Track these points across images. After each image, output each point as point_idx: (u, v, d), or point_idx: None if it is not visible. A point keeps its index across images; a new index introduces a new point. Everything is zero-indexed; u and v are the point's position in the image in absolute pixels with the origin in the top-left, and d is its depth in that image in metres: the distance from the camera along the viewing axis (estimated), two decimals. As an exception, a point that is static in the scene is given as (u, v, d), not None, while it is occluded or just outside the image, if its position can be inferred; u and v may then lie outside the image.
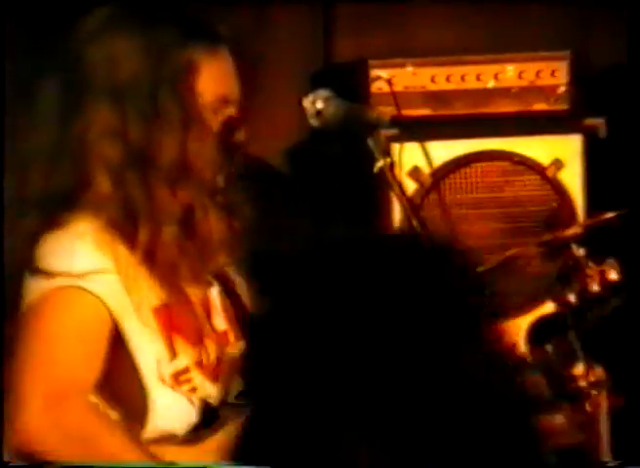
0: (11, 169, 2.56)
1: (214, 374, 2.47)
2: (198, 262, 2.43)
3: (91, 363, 2.43)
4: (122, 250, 2.40)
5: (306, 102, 2.45)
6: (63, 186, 2.38)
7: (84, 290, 2.38)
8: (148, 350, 2.44)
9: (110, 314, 2.40)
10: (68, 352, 2.43)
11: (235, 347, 2.51)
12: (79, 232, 2.37)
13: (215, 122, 2.39)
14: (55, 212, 2.36)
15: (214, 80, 2.40)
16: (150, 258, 2.38)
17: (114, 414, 2.43)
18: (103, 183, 2.35)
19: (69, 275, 2.39)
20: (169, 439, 2.48)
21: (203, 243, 2.45)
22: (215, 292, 2.50)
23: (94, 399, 2.43)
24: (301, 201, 2.99)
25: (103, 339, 2.42)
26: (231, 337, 2.49)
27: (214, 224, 2.45)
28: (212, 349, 2.47)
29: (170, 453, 2.46)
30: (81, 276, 2.40)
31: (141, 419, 2.44)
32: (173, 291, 2.41)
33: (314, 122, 2.45)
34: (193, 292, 2.45)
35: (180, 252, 2.40)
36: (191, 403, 2.46)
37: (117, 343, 2.43)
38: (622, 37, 3.82)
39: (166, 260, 2.38)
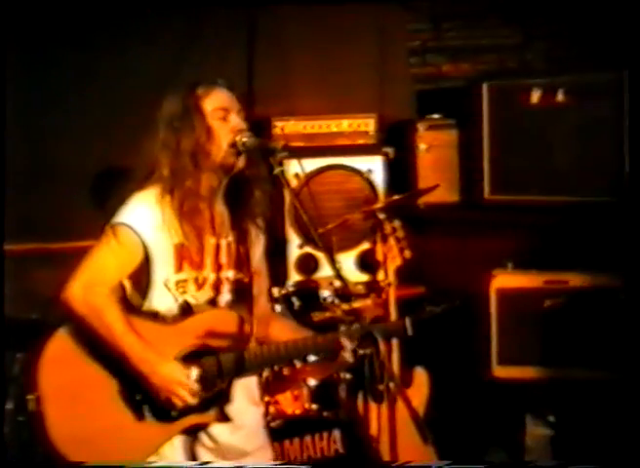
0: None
1: (200, 285, 3.14)
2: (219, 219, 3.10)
3: (116, 270, 3.07)
4: (166, 206, 3.05)
5: (236, 138, 3.10)
6: (145, 171, 3.12)
7: (129, 227, 3.05)
8: (162, 267, 3.09)
9: (143, 244, 3.03)
10: (107, 262, 3.07)
11: (227, 272, 3.17)
12: (147, 197, 3.08)
13: (223, 127, 3.05)
14: (139, 185, 3.10)
15: (212, 101, 3.09)
16: (181, 212, 3.05)
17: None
18: (163, 170, 3.07)
19: (125, 218, 3.07)
20: (154, 315, 3.09)
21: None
22: (224, 242, 3.14)
23: (111, 293, 3.05)
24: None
25: (133, 259, 3.05)
26: (225, 267, 3.14)
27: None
28: (206, 273, 3.12)
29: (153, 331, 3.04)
30: (132, 219, 3.06)
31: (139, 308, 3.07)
32: (191, 236, 3.07)
33: (242, 149, 3.10)
34: (209, 239, 3.10)
35: (199, 209, 3.04)
36: (175, 301, 3.10)
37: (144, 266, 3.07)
38: (405, 109, 5.11)
39: (190, 214, 3.05)
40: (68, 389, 3.05)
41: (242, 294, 3.19)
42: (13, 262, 4.38)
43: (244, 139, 3.07)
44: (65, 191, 4.75)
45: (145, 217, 3.05)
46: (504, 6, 5.17)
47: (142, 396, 3.04)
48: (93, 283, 3.03)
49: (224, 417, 3.12)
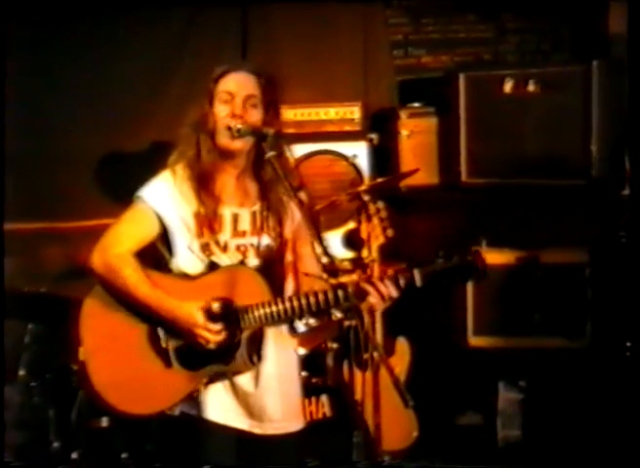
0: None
1: (224, 248, 3.14)
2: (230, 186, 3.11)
3: (131, 237, 3.13)
4: (182, 179, 3.09)
5: (231, 124, 3.10)
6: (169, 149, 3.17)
7: (143, 200, 3.13)
8: (184, 234, 3.12)
9: (158, 215, 3.09)
10: (122, 230, 3.15)
11: (251, 238, 3.16)
12: (167, 173, 3.14)
13: (224, 110, 3.08)
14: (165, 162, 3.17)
15: (223, 83, 3.11)
16: (192, 180, 3.09)
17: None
18: (185, 148, 3.13)
19: (142, 192, 3.13)
20: (179, 274, 3.13)
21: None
22: (248, 211, 3.14)
23: (132, 258, 3.10)
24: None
25: (148, 228, 3.12)
26: (247, 233, 3.13)
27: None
28: (226, 236, 3.13)
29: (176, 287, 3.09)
30: (148, 193, 3.13)
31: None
32: (208, 205, 3.09)
33: (236, 134, 3.10)
34: (226, 208, 3.11)
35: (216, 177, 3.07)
36: (202, 262, 3.11)
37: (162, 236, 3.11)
38: (388, 98, 5.10)
39: (200, 181, 3.09)
40: (105, 340, 3.14)
41: (279, 259, 3.22)
42: (22, 240, 4.51)
43: (238, 126, 3.09)
44: (71, 174, 4.77)
45: (162, 191, 3.13)
46: (480, 3, 5.23)
47: (168, 344, 3.10)
48: (108, 247, 3.14)
49: (246, 367, 3.13)
